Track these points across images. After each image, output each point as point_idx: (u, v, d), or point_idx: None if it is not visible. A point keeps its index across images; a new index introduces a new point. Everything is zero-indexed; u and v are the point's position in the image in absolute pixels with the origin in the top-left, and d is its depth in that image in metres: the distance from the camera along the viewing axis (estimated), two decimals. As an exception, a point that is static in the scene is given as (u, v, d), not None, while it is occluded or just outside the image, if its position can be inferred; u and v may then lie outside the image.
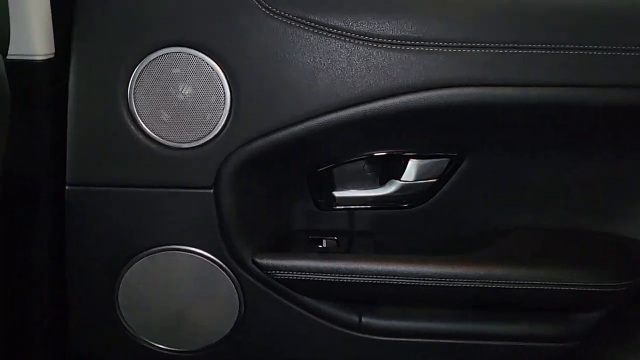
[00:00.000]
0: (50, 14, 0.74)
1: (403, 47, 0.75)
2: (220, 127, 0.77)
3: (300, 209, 0.93)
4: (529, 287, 0.79)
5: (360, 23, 0.75)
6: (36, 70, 0.73)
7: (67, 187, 0.79)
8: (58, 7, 0.74)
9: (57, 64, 0.76)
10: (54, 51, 0.75)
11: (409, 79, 0.75)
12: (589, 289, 0.80)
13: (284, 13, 0.75)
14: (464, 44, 0.74)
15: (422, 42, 0.75)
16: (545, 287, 0.79)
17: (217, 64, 0.76)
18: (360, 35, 0.75)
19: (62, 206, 0.80)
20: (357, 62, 0.76)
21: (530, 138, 0.87)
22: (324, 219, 0.94)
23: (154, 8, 0.75)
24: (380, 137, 0.86)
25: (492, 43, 0.74)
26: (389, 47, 0.75)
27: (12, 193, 0.76)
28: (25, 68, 0.72)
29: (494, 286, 0.79)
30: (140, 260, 0.82)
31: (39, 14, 0.72)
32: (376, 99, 0.76)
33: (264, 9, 0.75)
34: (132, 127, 0.77)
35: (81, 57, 0.76)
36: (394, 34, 0.75)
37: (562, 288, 0.79)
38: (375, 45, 0.75)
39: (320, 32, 0.75)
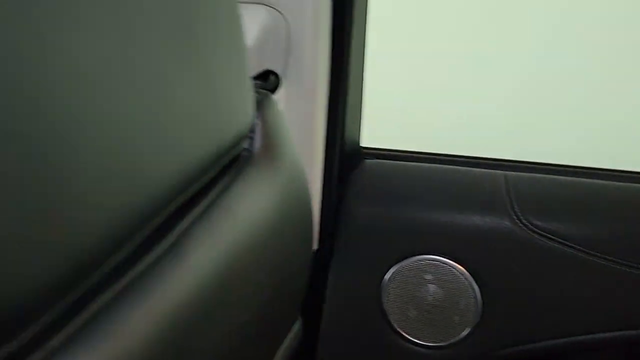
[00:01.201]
0: (318, 212, 0.81)
1: None
2: (467, 332, 0.78)
3: None
4: None
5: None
6: None
7: None
8: (324, 205, 0.81)
9: (318, 260, 0.83)
10: (317, 247, 0.83)
11: None
12: None
13: (543, 232, 0.74)
14: None
15: None
16: None
17: (470, 274, 0.77)
18: (629, 262, 0.71)
19: None
20: (619, 286, 0.71)
21: None
22: None
23: (410, 220, 0.79)
24: None
25: None
26: None
27: None
28: None
29: None
30: None
31: None
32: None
33: (521, 224, 0.75)
34: (383, 323, 0.81)
35: (341, 254, 0.83)
36: None
37: None
38: None
39: (582, 253, 0.73)
